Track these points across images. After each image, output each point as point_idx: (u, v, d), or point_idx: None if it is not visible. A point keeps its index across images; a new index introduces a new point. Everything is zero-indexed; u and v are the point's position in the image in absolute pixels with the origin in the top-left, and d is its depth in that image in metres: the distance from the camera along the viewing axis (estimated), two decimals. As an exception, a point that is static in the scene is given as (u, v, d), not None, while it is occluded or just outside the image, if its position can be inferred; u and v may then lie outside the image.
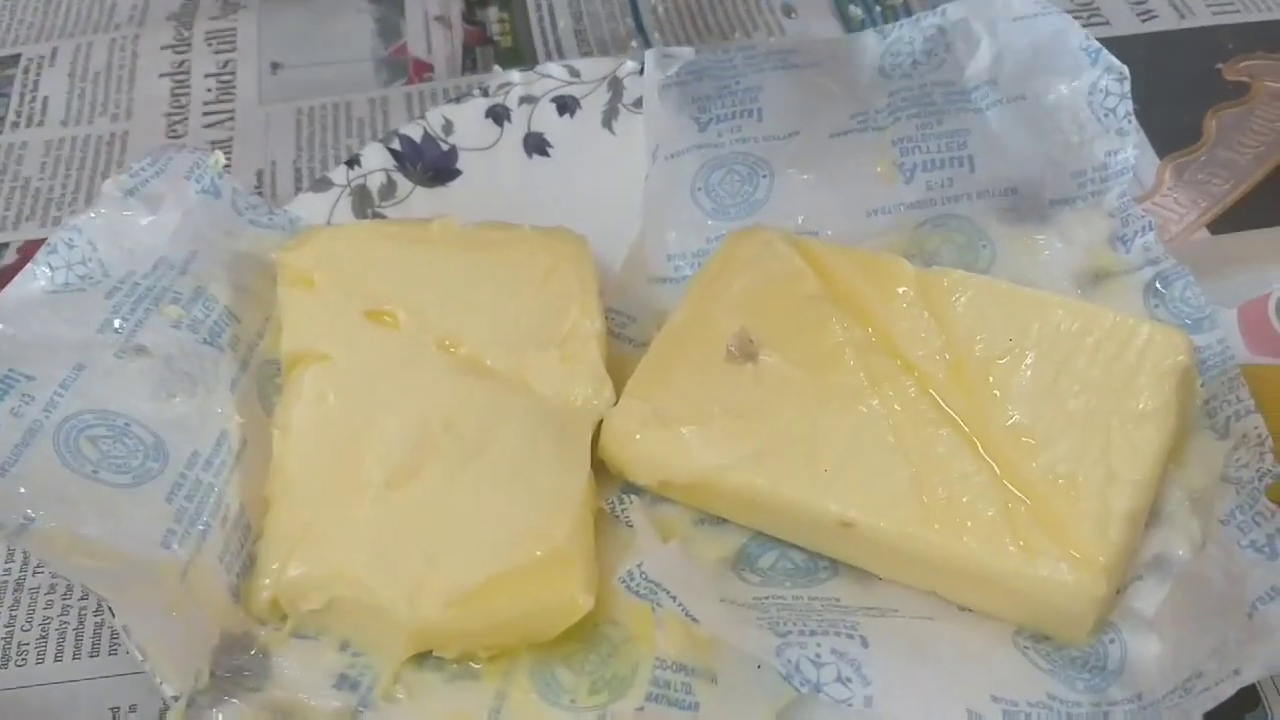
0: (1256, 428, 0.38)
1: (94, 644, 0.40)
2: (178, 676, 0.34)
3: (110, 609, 0.34)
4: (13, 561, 0.42)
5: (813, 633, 0.34)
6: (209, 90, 0.58)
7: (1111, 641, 0.35)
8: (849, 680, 0.33)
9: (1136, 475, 0.37)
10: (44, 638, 0.40)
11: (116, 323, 0.40)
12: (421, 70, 0.58)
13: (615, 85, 0.51)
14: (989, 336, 0.40)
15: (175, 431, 0.38)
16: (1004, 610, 0.36)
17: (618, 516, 0.40)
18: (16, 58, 0.60)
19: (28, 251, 0.52)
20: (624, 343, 0.45)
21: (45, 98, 0.58)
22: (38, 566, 0.42)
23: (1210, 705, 0.32)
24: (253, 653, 0.36)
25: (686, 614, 0.33)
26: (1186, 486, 0.38)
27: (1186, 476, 0.38)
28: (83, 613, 0.41)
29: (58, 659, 0.40)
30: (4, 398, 0.37)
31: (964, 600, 0.37)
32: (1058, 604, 0.35)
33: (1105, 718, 0.33)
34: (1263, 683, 0.38)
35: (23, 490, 0.34)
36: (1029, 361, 0.40)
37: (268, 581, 0.37)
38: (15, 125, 0.57)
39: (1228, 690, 0.32)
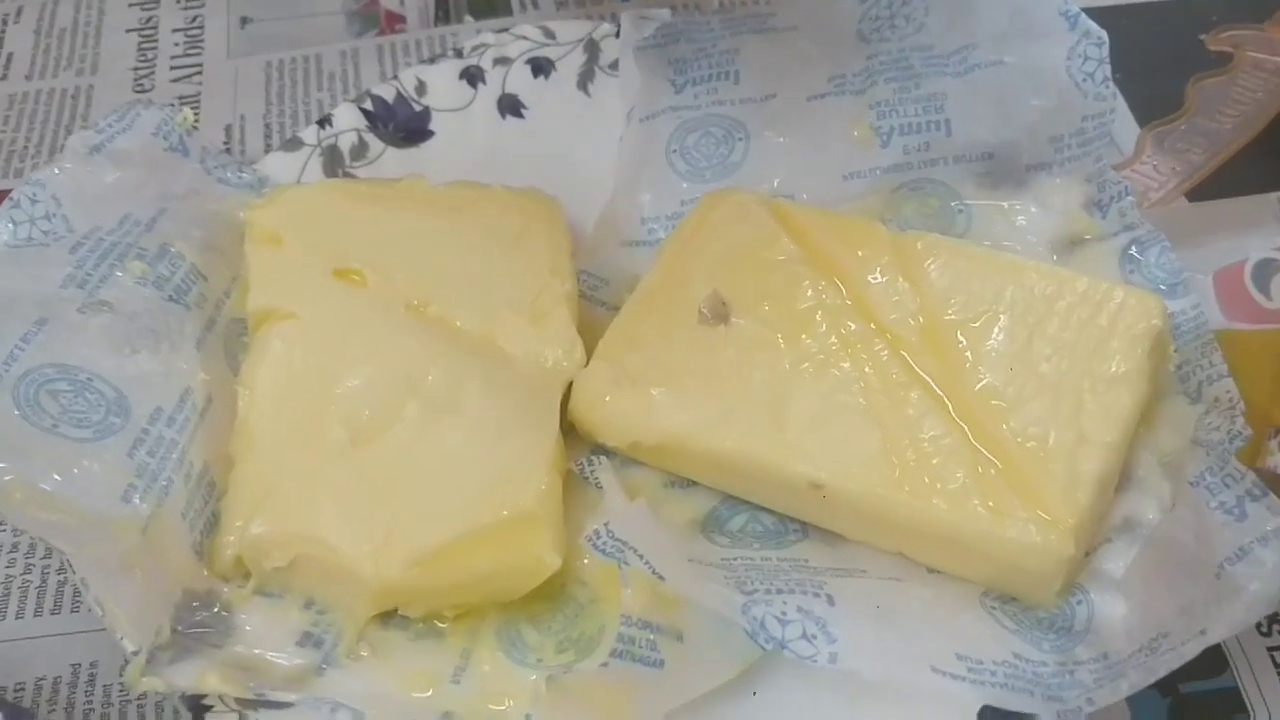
0: (1228, 391, 0.38)
1: (56, 601, 0.40)
2: (137, 631, 0.34)
3: (69, 563, 0.34)
4: (-28, 520, 0.42)
5: (779, 591, 0.34)
6: (176, 45, 0.57)
7: (1079, 603, 0.36)
8: (814, 637, 0.33)
9: (1107, 438, 0.37)
10: (5, 595, 0.40)
11: (80, 278, 0.40)
12: (393, 22, 0.58)
13: (591, 47, 0.51)
14: (963, 300, 0.40)
15: (138, 387, 0.38)
16: (972, 572, 0.36)
17: (586, 478, 0.40)
18: (-22, 14, 0.59)
19: (-11, 204, 0.51)
20: (596, 305, 0.45)
21: (10, 53, 0.57)
22: (-1, 525, 0.42)
23: (1176, 665, 0.32)
24: (216, 610, 0.36)
25: (653, 572, 0.33)
26: (1158, 450, 0.38)
27: (1158, 440, 0.39)
28: (45, 571, 0.41)
29: (19, 616, 0.40)
30: (-38, 351, 0.36)
31: (932, 562, 0.37)
32: (1025, 565, 0.35)
33: (1071, 676, 0.33)
34: (1230, 650, 0.38)
35: (-21, 443, 0.34)
36: (1002, 325, 0.40)
37: (231, 539, 0.36)
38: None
39: (1193, 650, 0.32)
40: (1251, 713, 0.37)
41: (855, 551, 0.37)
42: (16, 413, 0.35)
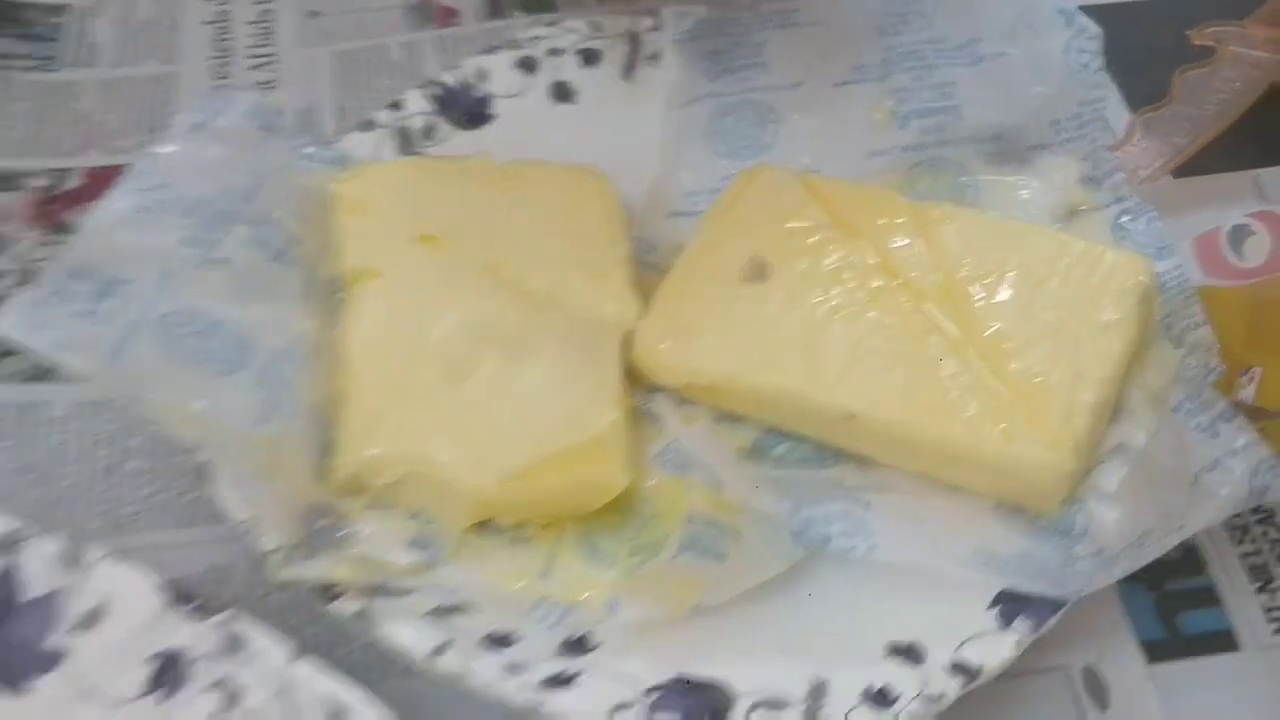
0: (1206, 337, 0.43)
1: (186, 516, 0.45)
2: (275, 532, 0.39)
3: (213, 473, 0.39)
4: (107, 449, 0.47)
5: (822, 500, 0.39)
6: (250, 36, 0.61)
7: (1078, 512, 0.40)
8: (853, 534, 0.38)
9: (1100, 374, 0.41)
10: (142, 511, 0.45)
11: (195, 239, 0.44)
12: (447, 16, 0.62)
13: (634, 39, 0.54)
14: (974, 261, 0.44)
15: (257, 331, 0.42)
16: (987, 487, 0.41)
17: (646, 413, 0.44)
18: (63, 7, 0.63)
19: (93, 177, 0.55)
20: (647, 268, 0.48)
21: (94, 43, 0.61)
22: (131, 455, 0.46)
23: (1159, 554, 0.37)
24: (334, 520, 0.40)
25: (715, 480, 0.38)
26: (1146, 388, 0.43)
27: (1146, 379, 0.43)
28: (169, 491, 0.45)
29: (159, 528, 0.44)
30: (107, 298, 0.41)
31: (952, 479, 0.41)
32: (1032, 479, 0.40)
33: (1072, 568, 0.38)
34: (1209, 554, 0.43)
35: (134, 372, 0.39)
36: (1009, 281, 0.44)
37: (349, 459, 0.41)
38: (69, 65, 0.60)
39: (1173, 541, 0.37)
40: (1223, 605, 0.42)
41: (885, 472, 0.42)
42: (161, 349, 0.40)
